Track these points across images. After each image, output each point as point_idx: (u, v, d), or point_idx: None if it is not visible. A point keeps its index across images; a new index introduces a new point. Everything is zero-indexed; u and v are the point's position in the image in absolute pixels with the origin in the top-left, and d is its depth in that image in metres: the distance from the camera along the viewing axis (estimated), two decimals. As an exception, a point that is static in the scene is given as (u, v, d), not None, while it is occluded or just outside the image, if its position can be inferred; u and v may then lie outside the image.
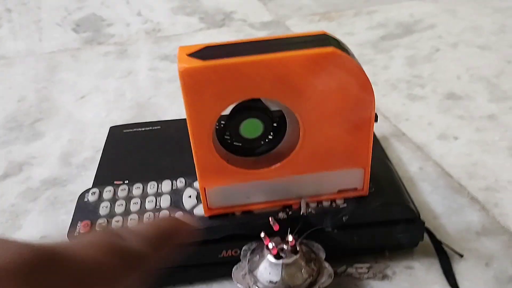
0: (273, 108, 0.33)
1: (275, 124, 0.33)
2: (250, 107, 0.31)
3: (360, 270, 0.38)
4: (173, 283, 0.38)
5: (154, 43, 0.82)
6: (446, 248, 0.39)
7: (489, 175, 0.48)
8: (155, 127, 0.49)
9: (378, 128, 0.55)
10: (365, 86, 0.30)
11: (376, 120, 0.33)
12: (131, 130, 0.49)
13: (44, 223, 0.45)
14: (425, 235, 0.39)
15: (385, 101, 0.60)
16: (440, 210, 0.44)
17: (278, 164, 0.33)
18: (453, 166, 0.49)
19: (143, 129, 0.49)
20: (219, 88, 0.28)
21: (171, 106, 0.63)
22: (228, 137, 0.33)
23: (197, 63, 0.28)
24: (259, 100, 0.32)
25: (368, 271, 0.38)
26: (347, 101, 0.30)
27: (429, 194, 0.46)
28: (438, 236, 0.40)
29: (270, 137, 0.33)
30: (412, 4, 0.91)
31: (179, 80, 0.28)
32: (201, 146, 0.31)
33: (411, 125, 0.56)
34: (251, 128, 0.32)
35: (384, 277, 0.38)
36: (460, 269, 0.38)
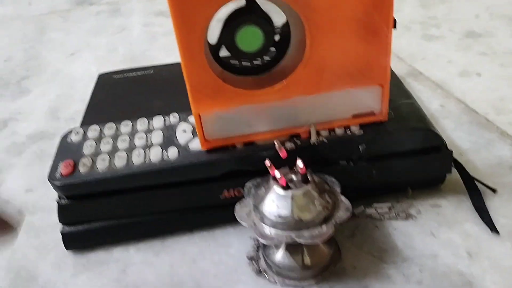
0: (277, 22, 0.29)
1: (277, 36, 0.28)
2: (247, 13, 0.27)
3: (380, 210, 0.34)
4: (170, 230, 0.33)
5: (149, 0, 0.77)
6: (477, 183, 0.35)
7: (519, 109, 0.43)
8: (148, 72, 0.45)
9: (392, 68, 0.50)
10: (383, -23, 0.25)
11: (395, 26, 0.28)
12: (121, 75, 0.45)
13: (30, 177, 0.41)
14: (453, 171, 0.35)
15: (398, 42, 0.55)
16: (467, 146, 0.39)
17: (282, 83, 0.29)
18: (478, 102, 0.44)
19: (135, 74, 0.45)
20: (209, -20, 0.24)
21: (167, 59, 0.58)
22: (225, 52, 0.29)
23: (180, -51, 0.23)
24: (258, 5, 0.27)
25: (389, 211, 0.34)
26: (361, 0, 0.26)
27: (453, 131, 0.41)
28: (468, 171, 0.35)
29: (271, 50, 0.29)
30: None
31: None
32: (192, 60, 0.26)
33: (428, 64, 0.51)
34: (249, 38, 0.27)
35: (408, 216, 0.33)
36: (494, 205, 0.33)
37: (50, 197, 0.38)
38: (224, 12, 0.27)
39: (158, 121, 0.34)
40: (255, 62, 0.29)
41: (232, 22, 0.27)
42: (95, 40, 0.65)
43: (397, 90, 0.35)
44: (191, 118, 0.33)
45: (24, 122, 0.49)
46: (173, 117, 0.34)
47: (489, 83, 0.47)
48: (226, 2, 0.25)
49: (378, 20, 0.27)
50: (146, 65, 0.56)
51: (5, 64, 0.61)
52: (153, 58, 0.58)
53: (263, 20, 0.27)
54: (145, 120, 0.34)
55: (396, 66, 0.51)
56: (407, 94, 0.36)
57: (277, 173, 0.27)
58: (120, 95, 0.41)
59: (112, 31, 0.67)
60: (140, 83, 0.42)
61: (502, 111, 0.43)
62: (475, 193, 0.34)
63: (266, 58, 0.29)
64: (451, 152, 0.33)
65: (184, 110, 0.34)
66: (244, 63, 0.29)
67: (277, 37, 0.29)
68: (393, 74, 0.40)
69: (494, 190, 0.34)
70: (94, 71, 0.57)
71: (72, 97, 0.52)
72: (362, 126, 0.31)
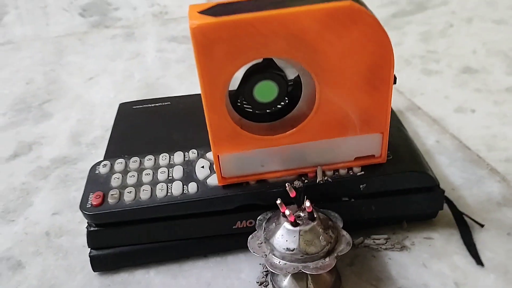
0: (289, 75, 0.32)
1: (290, 88, 0.32)
2: (264, 69, 0.30)
3: (377, 241, 0.37)
4: (187, 255, 0.37)
5: (162, 25, 0.81)
6: (466, 218, 0.38)
7: (509, 146, 0.46)
8: (165, 103, 0.48)
9: (393, 103, 0.53)
10: (384, 42, 0.29)
11: (395, 82, 0.32)
12: (140, 106, 0.48)
13: (55, 200, 0.44)
14: (445, 206, 0.38)
15: (399, 76, 0.58)
16: (459, 182, 0.43)
17: (293, 130, 0.32)
18: (471, 139, 0.48)
19: (153, 105, 0.48)
20: (232, 46, 0.27)
21: (180, 86, 0.62)
22: (242, 102, 0.32)
23: (209, 19, 0.27)
24: (273, 62, 0.31)
25: (386, 242, 0.37)
26: (365, 59, 0.29)
27: (447, 166, 0.45)
28: (458, 207, 0.39)
29: (284, 101, 0.32)
30: (424, -19, 0.89)
31: (191, 38, 0.27)
32: (214, 109, 0.30)
33: (426, 99, 0.55)
34: (265, 91, 0.31)
35: (403, 248, 0.37)
36: (481, 239, 0.37)
37: (76, 221, 0.41)
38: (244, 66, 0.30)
39: (178, 157, 0.37)
40: (270, 110, 0.32)
41: (251, 77, 0.30)
42: (112, 65, 0.68)
43: (397, 132, 0.39)
44: (209, 155, 0.37)
45: (48, 146, 0.52)
46: (192, 153, 0.38)
47: (483, 120, 0.51)
48: (247, 62, 0.29)
49: (379, 76, 0.30)
50: (160, 92, 0.61)
51: (26, 87, 0.65)
52: (167, 86, 0.62)
53: (278, 75, 0.30)
54: (167, 155, 0.38)
55: (397, 100, 0.55)
56: (405, 136, 0.39)
57: (287, 211, 0.31)
58: (140, 127, 0.44)
59: (127, 56, 0.71)
60: (159, 115, 0.46)
61: (493, 148, 0.46)
62: (464, 227, 0.37)
63: (279, 107, 0.33)
64: (443, 191, 0.36)
65: (201, 144, 0.38)
66: (259, 111, 0.32)
67: (289, 89, 0.32)
68: (394, 115, 0.44)
69: (482, 225, 0.38)
70: (112, 97, 0.61)
71: (92, 122, 0.55)
72: (363, 168, 0.35)
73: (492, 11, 0.75)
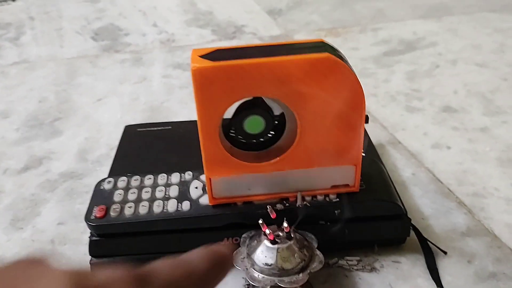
0: (275, 111, 0.37)
1: (276, 122, 0.37)
2: (254, 106, 0.35)
3: (350, 262, 0.41)
4: (177, 267, 0.41)
5: (168, 52, 0.86)
6: (431, 245, 0.42)
7: (478, 182, 0.51)
8: (167, 127, 0.53)
9: (376, 136, 0.58)
10: (357, 89, 0.34)
11: (367, 121, 0.36)
12: (144, 129, 0.53)
13: (61, 211, 0.49)
14: (413, 234, 0.42)
15: (384, 111, 0.64)
16: (429, 212, 0.47)
17: (277, 159, 0.37)
18: (444, 173, 0.52)
19: (155, 128, 0.53)
20: (227, 86, 0.32)
21: (182, 111, 0.67)
22: (233, 132, 0.37)
23: (207, 63, 0.32)
24: (262, 100, 0.36)
25: (357, 264, 0.41)
26: (340, 102, 0.34)
27: (420, 197, 0.49)
28: (425, 235, 0.43)
29: (270, 133, 0.37)
30: (416, 22, 0.95)
31: (192, 78, 0.32)
32: (208, 138, 0.35)
33: (407, 134, 0.59)
34: (254, 124, 0.35)
35: (373, 269, 0.41)
36: (444, 265, 0.41)
37: (79, 231, 0.46)
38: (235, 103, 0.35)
39: (175, 177, 0.42)
40: (257, 141, 0.37)
41: (242, 112, 0.35)
42: (120, 88, 0.74)
43: (372, 164, 0.43)
44: (202, 177, 0.41)
45: (57, 161, 0.57)
46: (188, 175, 0.42)
47: (456, 156, 0.55)
48: (239, 100, 0.34)
49: (353, 117, 0.35)
50: (164, 115, 0.65)
51: (39, 105, 0.69)
52: (170, 110, 0.67)
53: (266, 112, 0.35)
54: (164, 176, 0.42)
55: (380, 134, 0.59)
56: (379, 169, 0.44)
57: (267, 230, 0.35)
58: (143, 148, 0.49)
59: (134, 80, 0.76)
60: (160, 138, 0.51)
61: (463, 182, 0.51)
62: (429, 253, 0.42)
63: (266, 138, 0.38)
64: (410, 219, 0.41)
65: (195, 167, 0.42)
66: (248, 141, 0.37)
67: (275, 123, 0.37)
68: (372, 147, 0.48)
69: (445, 252, 0.42)
70: (118, 117, 0.66)
71: (99, 141, 0.60)
72: (338, 195, 0.39)
73: (476, 54, 0.80)
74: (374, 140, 0.54)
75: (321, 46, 0.33)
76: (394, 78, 0.73)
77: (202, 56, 0.32)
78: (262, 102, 0.36)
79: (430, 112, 0.64)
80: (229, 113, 0.36)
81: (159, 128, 0.53)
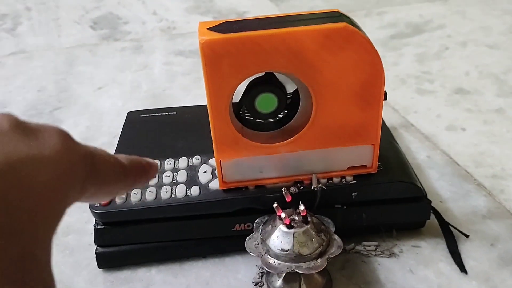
0: (289, 88, 0.35)
1: (289, 100, 0.35)
2: (265, 82, 0.33)
3: (368, 248, 0.39)
4: (187, 256, 0.39)
5: (169, 40, 0.84)
6: (452, 229, 0.40)
7: (496, 163, 0.49)
8: (171, 112, 0.51)
9: (387, 119, 0.56)
10: (375, 62, 0.32)
11: (385, 98, 0.34)
12: (148, 115, 0.51)
13: (63, 201, 0.46)
14: (432, 217, 0.40)
15: (394, 94, 0.61)
16: (447, 195, 0.45)
17: (291, 139, 0.35)
18: (461, 155, 0.50)
19: (160, 114, 0.51)
20: (237, 60, 0.30)
21: (185, 98, 0.65)
22: (244, 112, 0.35)
23: (216, 35, 0.29)
24: (274, 76, 0.34)
25: (376, 249, 0.39)
26: (358, 76, 0.32)
27: (436, 180, 0.47)
28: (444, 218, 0.41)
29: (283, 112, 0.35)
30: (422, 5, 0.92)
31: (200, 52, 0.30)
32: (219, 118, 0.32)
33: (419, 117, 0.57)
34: (266, 102, 0.33)
35: (392, 254, 0.39)
36: (466, 249, 0.39)
37: (83, 221, 0.44)
38: (246, 79, 0.33)
39: (183, 162, 0.40)
40: (270, 120, 0.35)
41: (253, 89, 0.33)
42: (121, 76, 0.71)
43: (388, 145, 0.41)
44: (211, 161, 0.39)
45: (58, 150, 0.55)
46: (196, 159, 0.40)
47: (472, 139, 0.53)
48: (251, 75, 0.31)
49: (371, 92, 0.33)
50: (166, 103, 0.63)
51: (38, 95, 0.67)
52: (173, 97, 0.65)
53: (278, 88, 0.33)
54: (172, 160, 0.40)
55: (391, 117, 0.57)
56: (396, 150, 0.42)
57: (282, 214, 0.33)
58: (147, 134, 0.47)
59: (135, 68, 0.74)
60: (165, 123, 0.48)
61: (480, 164, 0.49)
62: (450, 237, 0.40)
63: (279, 117, 0.36)
64: (430, 201, 0.39)
65: (204, 151, 0.40)
66: (260, 121, 0.35)
67: (288, 101, 0.35)
68: (386, 129, 0.46)
69: (466, 236, 0.40)
70: (120, 105, 0.64)
71: (100, 129, 0.58)
72: (355, 177, 0.37)
73: (486, 35, 0.78)
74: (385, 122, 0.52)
75: (337, 16, 0.31)
76: (403, 61, 0.71)
77: (210, 29, 0.30)
78: (275, 78, 0.34)
79: (442, 94, 0.62)
80: (238, 95, 0.34)
81: (164, 113, 0.51)
